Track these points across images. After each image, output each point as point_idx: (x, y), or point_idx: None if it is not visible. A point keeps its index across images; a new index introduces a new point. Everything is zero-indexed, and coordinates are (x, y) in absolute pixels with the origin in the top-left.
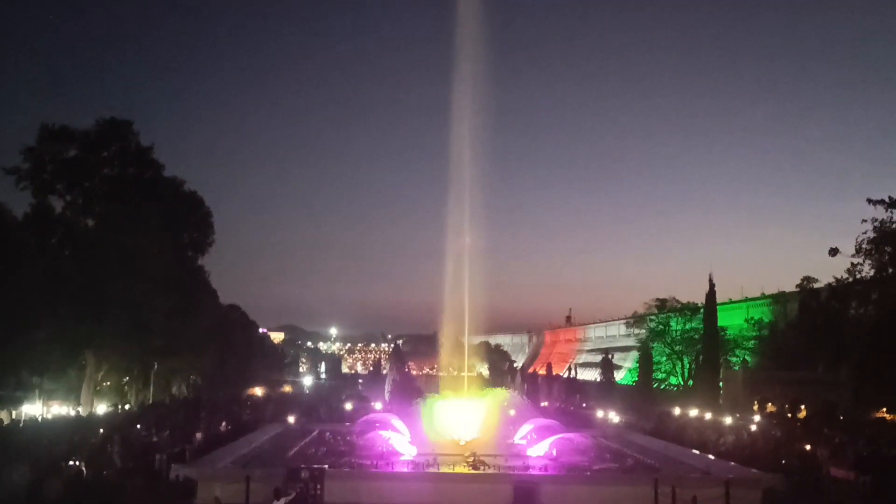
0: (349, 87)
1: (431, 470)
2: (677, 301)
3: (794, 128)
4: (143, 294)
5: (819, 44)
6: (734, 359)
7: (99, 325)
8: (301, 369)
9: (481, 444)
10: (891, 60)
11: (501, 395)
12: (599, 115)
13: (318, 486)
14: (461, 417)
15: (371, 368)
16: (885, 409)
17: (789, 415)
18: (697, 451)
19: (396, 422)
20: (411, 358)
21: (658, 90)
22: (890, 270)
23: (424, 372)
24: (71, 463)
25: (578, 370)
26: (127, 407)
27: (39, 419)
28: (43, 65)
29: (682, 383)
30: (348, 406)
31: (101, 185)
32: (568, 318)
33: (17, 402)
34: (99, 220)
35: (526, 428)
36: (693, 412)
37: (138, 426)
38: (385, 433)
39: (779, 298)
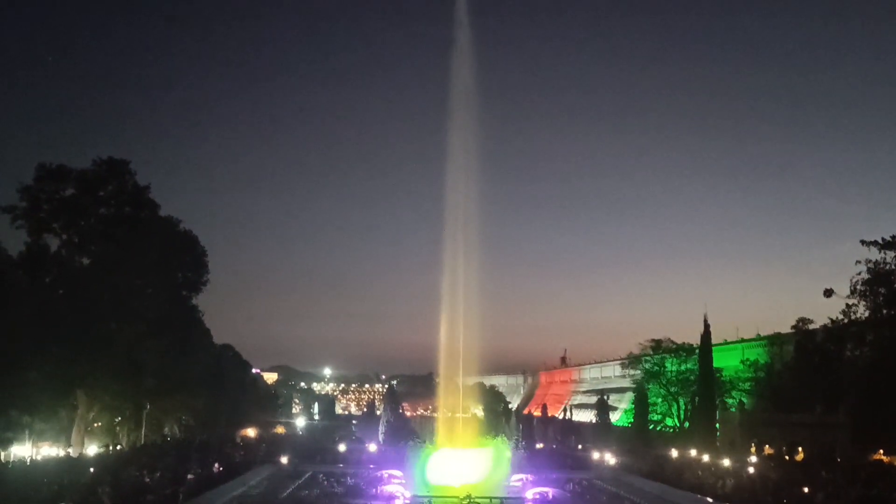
0: (346, 130)
1: None
2: (672, 342)
3: (789, 169)
4: (137, 334)
5: (813, 84)
6: (730, 400)
7: (91, 366)
8: (294, 410)
9: (476, 486)
10: (885, 103)
11: (497, 445)
12: (595, 158)
13: None
14: (457, 466)
15: (365, 409)
16: (882, 451)
17: (787, 457)
18: (696, 494)
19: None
20: (406, 399)
21: (652, 132)
22: (885, 311)
23: (419, 413)
24: None
25: (574, 411)
26: (118, 447)
27: (28, 461)
28: (40, 103)
29: (678, 425)
30: (342, 447)
31: (97, 224)
32: (563, 359)
33: (7, 443)
34: (94, 259)
35: (520, 475)
36: (690, 454)
37: (130, 467)
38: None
39: (774, 340)
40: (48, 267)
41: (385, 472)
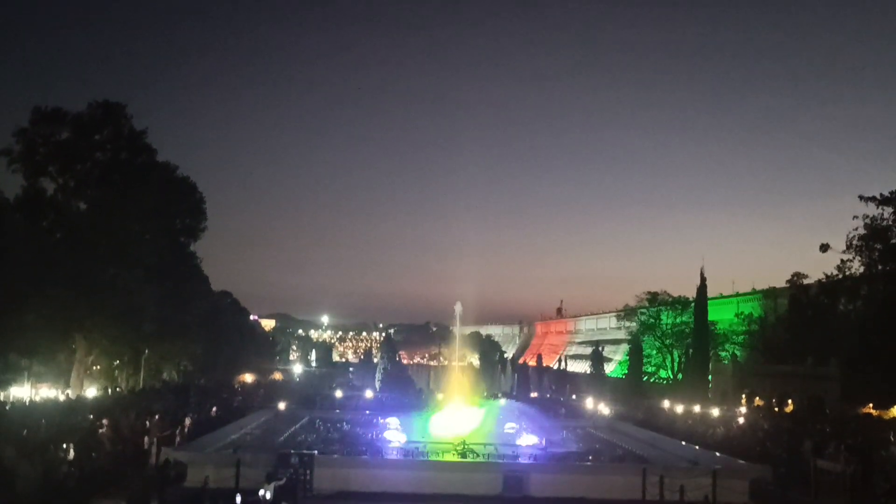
0: (347, 74)
1: (421, 458)
2: (668, 295)
3: (787, 124)
4: (135, 279)
5: (813, 40)
6: (724, 353)
7: (90, 310)
8: (292, 357)
9: (471, 432)
10: (884, 58)
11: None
12: (594, 111)
13: (308, 472)
14: (453, 418)
15: (362, 357)
16: (871, 405)
17: (776, 408)
18: (686, 443)
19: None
20: (402, 347)
21: (651, 86)
22: (879, 267)
23: (415, 361)
24: (62, 446)
25: (569, 362)
26: (118, 391)
27: (27, 402)
28: (37, 47)
29: (671, 376)
30: (339, 394)
31: (94, 169)
32: (559, 310)
33: (6, 385)
34: (91, 204)
35: (514, 424)
36: (682, 405)
37: (129, 410)
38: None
39: (769, 294)
40: (45, 211)
41: (381, 420)
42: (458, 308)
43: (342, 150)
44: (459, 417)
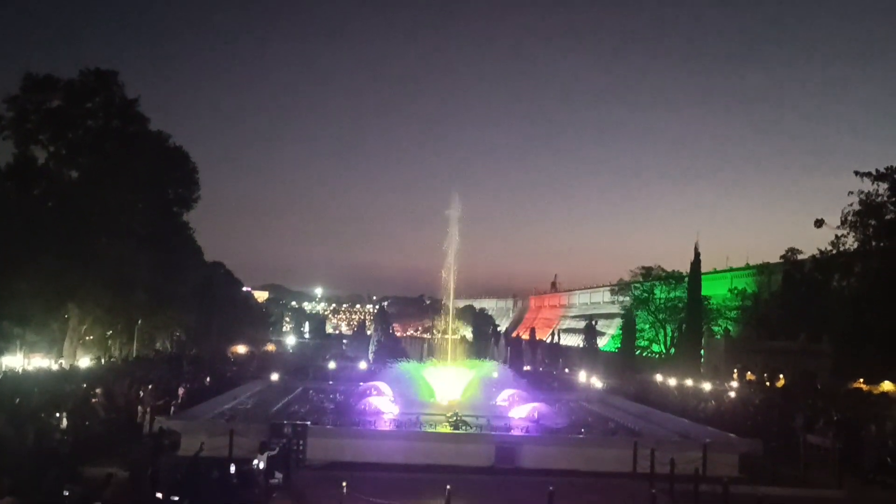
0: (341, 42)
1: (413, 429)
2: (662, 269)
3: (783, 99)
4: (128, 249)
5: (808, 16)
6: (717, 328)
7: (82, 279)
8: (285, 328)
9: (464, 404)
10: (881, 33)
11: (486, 366)
12: (588, 84)
13: (301, 443)
14: (444, 383)
15: (356, 329)
16: (862, 380)
17: (768, 383)
18: (677, 417)
19: (381, 384)
20: (396, 319)
21: (646, 59)
22: (874, 243)
23: (409, 333)
24: (55, 414)
25: (562, 336)
26: (111, 360)
27: (20, 370)
28: (27, 13)
29: (664, 351)
30: (332, 365)
31: (85, 137)
32: (553, 284)
33: None
34: (82, 173)
35: (508, 391)
36: (674, 379)
37: (122, 379)
38: (371, 397)
39: (763, 269)
40: (37, 179)
41: (372, 389)
42: (447, 278)
43: (336, 121)
44: (450, 376)
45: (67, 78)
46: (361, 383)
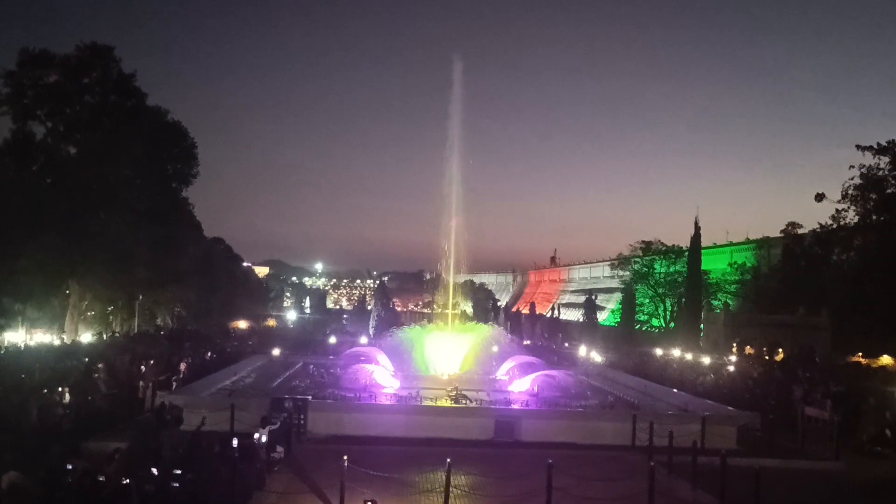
0: (340, 18)
1: (414, 403)
2: (662, 244)
3: (784, 73)
4: (127, 225)
5: None
6: (716, 302)
7: (82, 255)
8: (285, 304)
9: (464, 379)
10: (881, 8)
11: (485, 330)
12: (589, 58)
13: (302, 417)
14: (445, 351)
15: (356, 304)
16: (860, 354)
17: (767, 357)
18: (676, 390)
19: (381, 356)
20: (396, 295)
21: (647, 34)
22: (874, 217)
23: (409, 308)
24: (58, 389)
25: (562, 310)
26: (113, 335)
27: (22, 346)
28: None
29: (664, 325)
30: (332, 340)
31: (83, 112)
32: (553, 259)
33: (0, 330)
34: (80, 149)
35: (508, 364)
36: (674, 353)
37: (123, 354)
38: (368, 366)
39: (762, 243)
40: (35, 155)
41: (373, 366)
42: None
43: (335, 96)
44: (450, 343)
45: (63, 53)
46: (363, 358)
